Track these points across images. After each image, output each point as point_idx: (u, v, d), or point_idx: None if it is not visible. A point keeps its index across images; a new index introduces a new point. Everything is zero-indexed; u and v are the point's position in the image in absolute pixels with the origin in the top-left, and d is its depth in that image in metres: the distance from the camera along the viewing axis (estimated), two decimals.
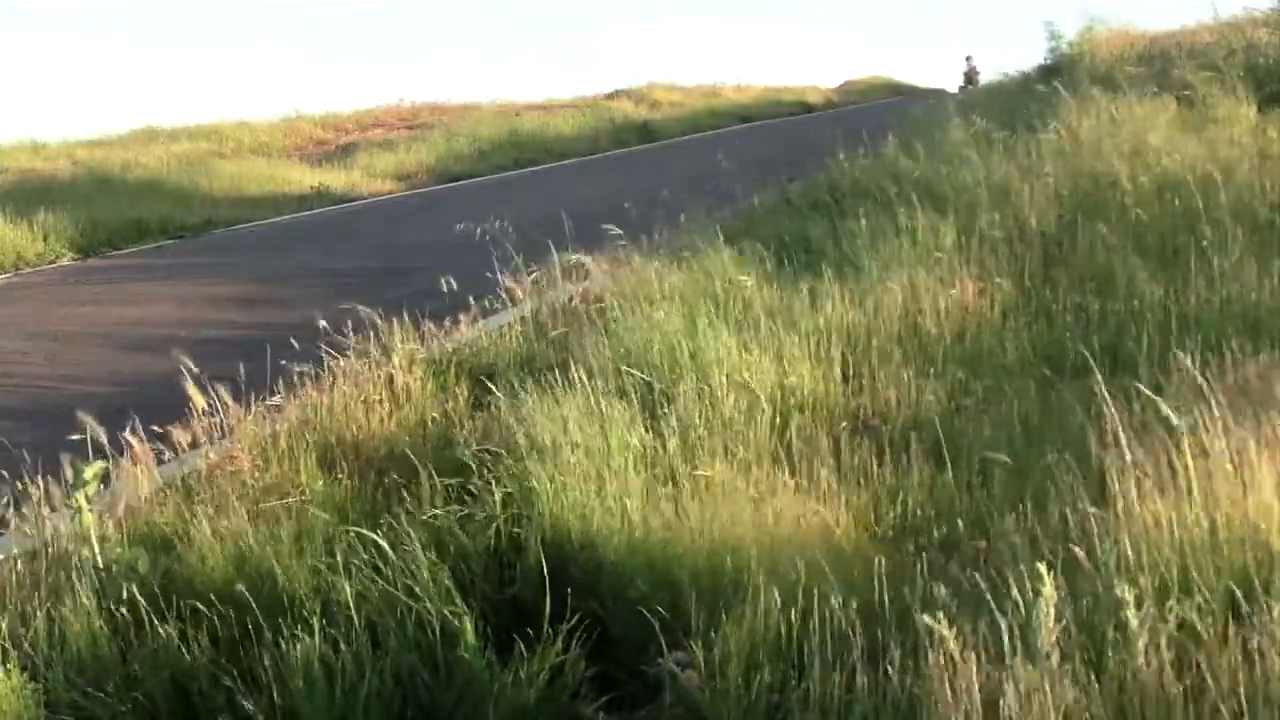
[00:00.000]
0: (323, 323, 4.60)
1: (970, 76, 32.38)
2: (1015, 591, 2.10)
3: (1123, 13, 29.24)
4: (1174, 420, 2.43)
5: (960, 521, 2.82)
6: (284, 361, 4.41)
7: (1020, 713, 1.95)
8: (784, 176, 8.72)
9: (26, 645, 2.88)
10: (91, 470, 3.29)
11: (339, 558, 2.94)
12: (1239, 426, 2.49)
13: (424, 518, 3.17)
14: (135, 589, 2.96)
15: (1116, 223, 5.32)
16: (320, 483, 3.57)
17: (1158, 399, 2.53)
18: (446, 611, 2.70)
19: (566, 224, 6.09)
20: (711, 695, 2.44)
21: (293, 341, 4.62)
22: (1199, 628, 2.05)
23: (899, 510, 2.97)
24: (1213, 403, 2.53)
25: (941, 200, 6.43)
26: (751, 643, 2.46)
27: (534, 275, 5.81)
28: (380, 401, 4.20)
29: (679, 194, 6.82)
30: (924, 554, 2.72)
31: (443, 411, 4.20)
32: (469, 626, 2.66)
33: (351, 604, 2.72)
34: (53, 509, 3.41)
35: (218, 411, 4.04)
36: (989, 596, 2.18)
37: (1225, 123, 6.59)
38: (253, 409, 4.12)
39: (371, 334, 4.73)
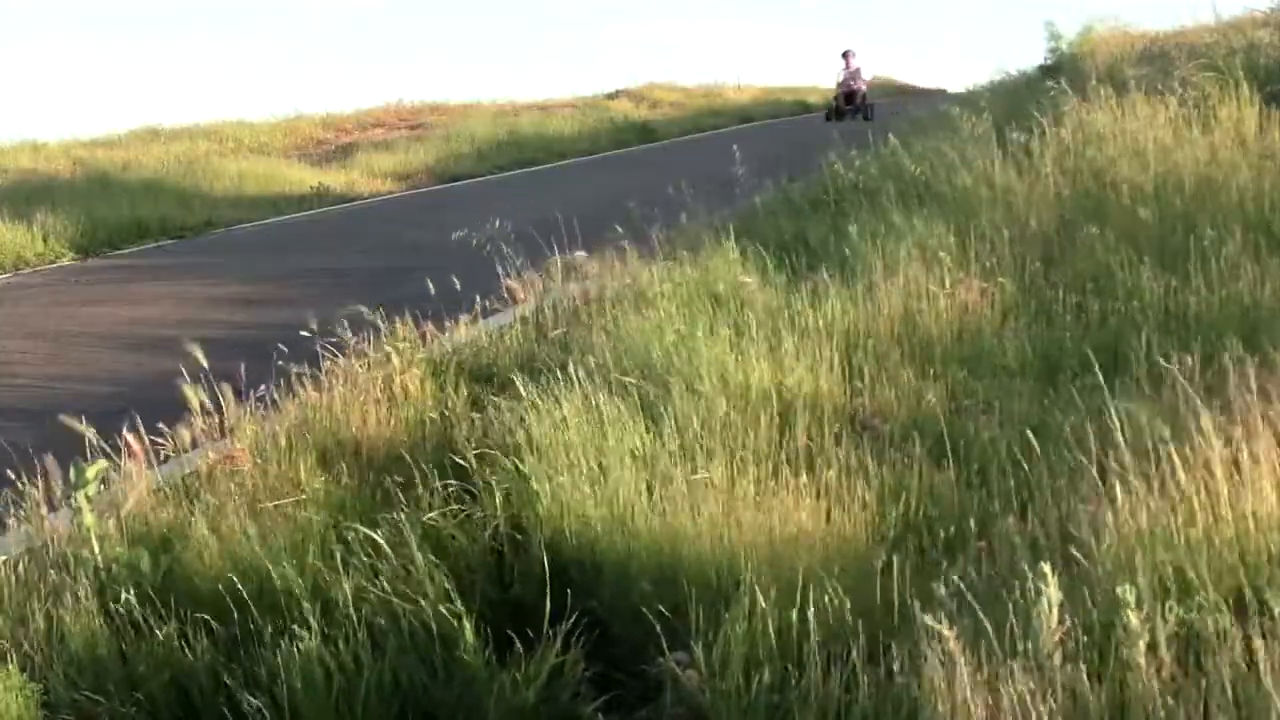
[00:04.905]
0: (322, 323, 4.60)
1: (849, 90, 22.87)
2: (1016, 592, 2.10)
3: (1123, 13, 27.85)
4: (1158, 430, 2.43)
5: (961, 522, 2.81)
6: (284, 361, 4.41)
7: (1021, 713, 1.95)
8: (784, 176, 8.71)
9: (26, 645, 2.88)
10: (93, 470, 3.29)
11: (338, 558, 2.94)
12: (1237, 427, 2.49)
13: (424, 518, 3.17)
14: (135, 589, 2.96)
15: (1117, 223, 5.32)
16: (320, 483, 3.57)
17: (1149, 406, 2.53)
18: (445, 611, 2.70)
19: (566, 224, 6.09)
20: (712, 695, 2.44)
21: (292, 341, 4.61)
22: (1198, 627, 2.05)
23: (899, 510, 2.97)
24: (1211, 403, 2.53)
25: (941, 200, 6.43)
26: (752, 643, 2.46)
27: (534, 275, 5.81)
28: (380, 401, 4.20)
29: (679, 194, 6.82)
30: (925, 554, 2.72)
31: (442, 412, 4.19)
32: (468, 627, 2.66)
33: (351, 604, 2.72)
34: (53, 509, 3.41)
35: (217, 412, 4.04)
36: (989, 596, 2.18)
37: (1226, 123, 6.58)
38: (252, 409, 4.11)
39: (371, 334, 4.72)
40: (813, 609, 2.39)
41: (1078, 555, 2.31)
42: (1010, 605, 2.08)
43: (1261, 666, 1.95)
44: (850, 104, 22.50)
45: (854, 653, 2.28)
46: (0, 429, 4.57)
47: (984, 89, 14.12)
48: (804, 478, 3.08)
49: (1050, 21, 13.30)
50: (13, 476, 3.51)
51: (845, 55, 23.51)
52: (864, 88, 23.06)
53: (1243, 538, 2.26)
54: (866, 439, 3.42)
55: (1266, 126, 6.43)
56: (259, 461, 3.76)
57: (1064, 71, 10.26)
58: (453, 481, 3.40)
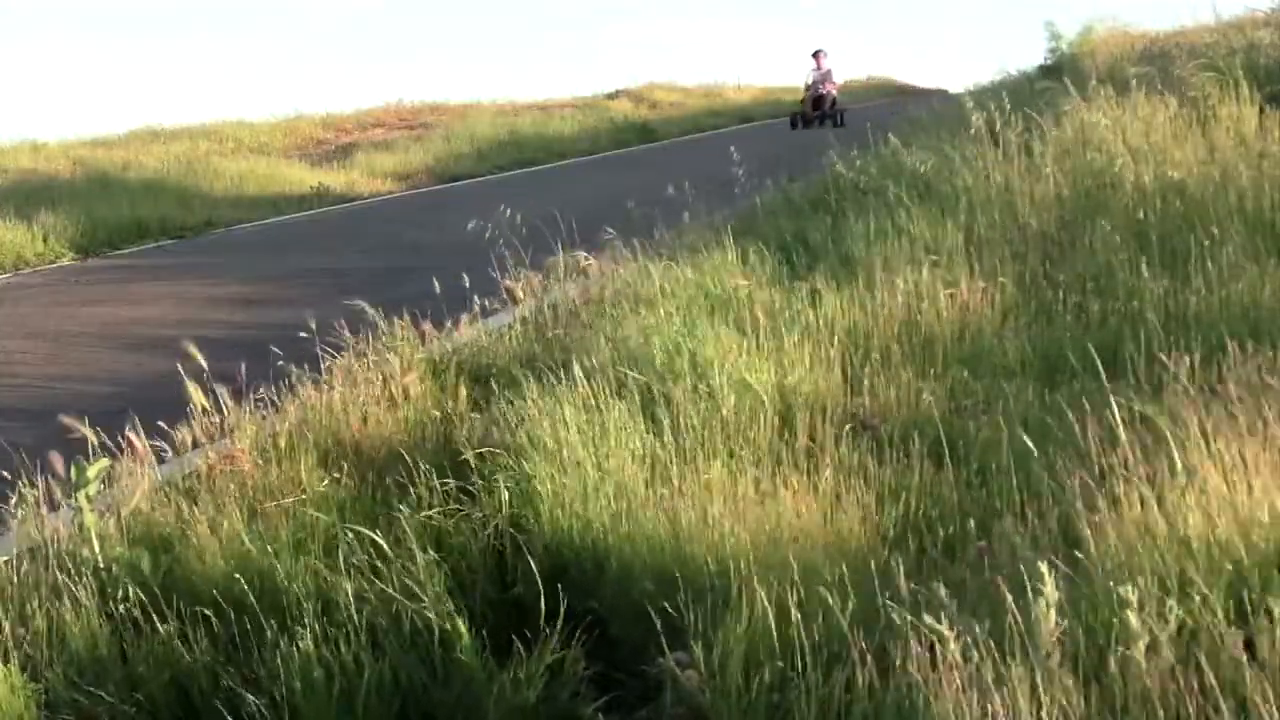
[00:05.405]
0: (322, 323, 4.60)
1: (818, 94, 21.00)
2: (1016, 592, 2.10)
3: (1123, 13, 27.50)
4: (1164, 425, 2.43)
5: (961, 522, 2.81)
6: (284, 361, 4.41)
7: (1021, 713, 1.95)
8: (784, 176, 8.71)
9: (26, 645, 2.88)
10: (94, 469, 3.29)
11: (339, 558, 2.94)
12: (1237, 426, 2.49)
13: (424, 518, 3.17)
14: (135, 589, 2.96)
15: (1117, 223, 5.32)
16: (320, 483, 3.57)
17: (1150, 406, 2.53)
18: (445, 611, 2.70)
19: (566, 224, 6.09)
20: (712, 695, 2.44)
21: (293, 341, 4.62)
22: (1198, 627, 2.05)
23: (899, 510, 2.97)
24: (1211, 403, 2.53)
25: (941, 200, 6.42)
26: (752, 642, 2.46)
27: (534, 275, 5.81)
28: (380, 401, 4.20)
29: (679, 194, 6.82)
30: (925, 554, 2.72)
31: (442, 412, 4.19)
32: (464, 627, 2.66)
33: (351, 604, 2.72)
34: (53, 509, 3.41)
35: (218, 412, 4.05)
36: (989, 596, 2.17)
37: (1226, 122, 6.58)
38: (252, 409, 4.12)
39: (371, 334, 4.73)
40: (814, 609, 2.39)
41: (1078, 555, 2.31)
42: (1010, 605, 2.08)
43: (1261, 666, 1.95)
44: (818, 110, 20.78)
45: (854, 653, 2.28)
46: (0, 429, 4.58)
47: (984, 89, 14.11)
48: (804, 477, 3.09)
49: (1050, 21, 13.31)
50: (13, 476, 3.51)
51: (816, 55, 21.70)
52: (834, 91, 21.36)
53: (1243, 538, 2.26)
54: (867, 439, 3.42)
55: (1267, 126, 6.42)
56: (259, 462, 3.76)
57: (1064, 71, 10.27)
58: (453, 481, 3.40)
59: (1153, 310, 4.14)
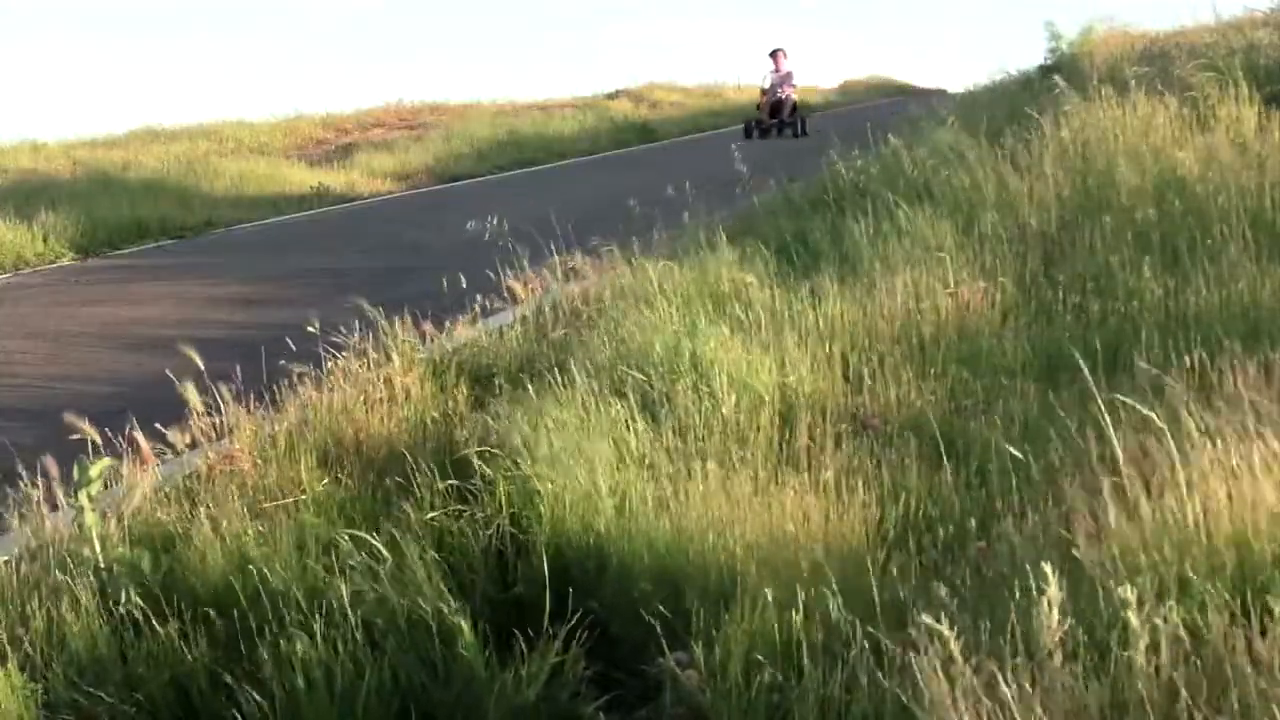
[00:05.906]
0: (322, 323, 4.60)
1: (776, 99, 18.85)
2: (1016, 592, 2.10)
3: (1123, 13, 27.40)
4: (1163, 425, 2.43)
5: (961, 522, 2.82)
6: (284, 361, 4.42)
7: (1021, 713, 1.95)
8: (784, 176, 8.71)
9: (26, 645, 2.88)
10: (96, 469, 3.29)
11: (338, 559, 2.94)
12: (1237, 426, 2.48)
13: (425, 518, 3.17)
14: (135, 589, 2.96)
15: (1117, 223, 5.32)
16: (320, 483, 3.57)
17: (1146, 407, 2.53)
18: (445, 611, 2.70)
19: (567, 223, 6.09)
20: (712, 695, 2.44)
21: (292, 341, 4.62)
22: (1199, 627, 2.05)
23: (899, 510, 2.97)
24: (1211, 403, 2.53)
25: (941, 200, 6.43)
26: (752, 642, 2.46)
27: (534, 275, 5.81)
28: (380, 402, 4.20)
29: (679, 194, 6.81)
30: (925, 554, 2.72)
31: (442, 412, 4.20)
32: (466, 626, 2.66)
33: (348, 605, 2.72)
34: (54, 509, 3.41)
35: (218, 412, 4.05)
36: (989, 596, 2.17)
37: (1226, 122, 6.58)
38: (252, 409, 4.12)
39: (371, 334, 4.73)
40: (814, 609, 2.39)
41: (1078, 555, 2.31)
42: (1011, 605, 2.08)
43: (1262, 666, 1.95)
44: (776, 116, 18.73)
45: (854, 653, 2.28)
46: (0, 429, 4.58)
47: (983, 88, 14.10)
48: (804, 477, 3.09)
49: (1050, 21, 13.27)
50: (14, 476, 3.51)
51: (774, 54, 19.53)
52: (794, 96, 19.37)
53: (1243, 538, 2.26)
54: (867, 439, 3.42)
55: (1266, 127, 6.42)
56: (259, 462, 3.76)
57: (1064, 71, 10.25)
58: (453, 481, 3.40)
59: (1153, 310, 4.14)
